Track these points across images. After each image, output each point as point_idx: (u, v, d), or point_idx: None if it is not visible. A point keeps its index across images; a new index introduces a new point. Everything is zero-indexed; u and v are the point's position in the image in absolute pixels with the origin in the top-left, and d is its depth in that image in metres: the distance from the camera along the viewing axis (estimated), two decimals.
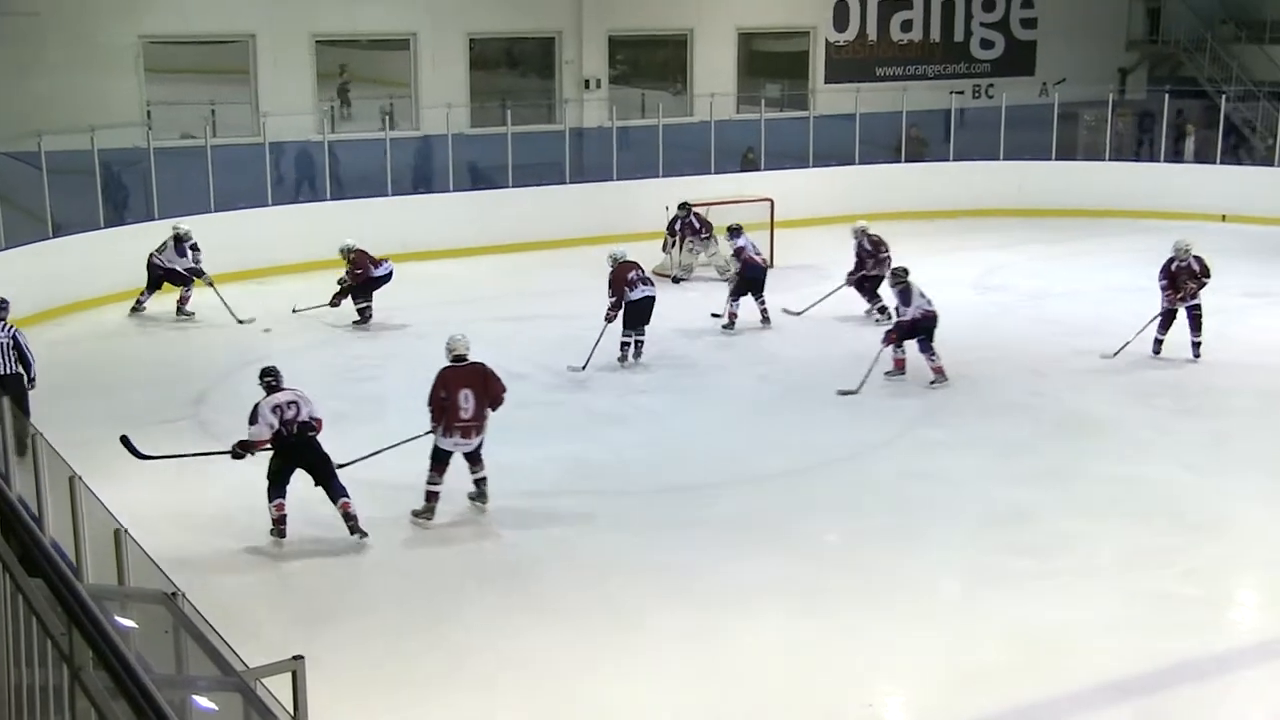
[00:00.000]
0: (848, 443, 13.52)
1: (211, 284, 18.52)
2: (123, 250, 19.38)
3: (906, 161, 26.94)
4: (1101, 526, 11.24)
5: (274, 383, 11.30)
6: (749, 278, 17.69)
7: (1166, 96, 26.66)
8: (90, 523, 7.21)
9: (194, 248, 18.60)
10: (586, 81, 25.52)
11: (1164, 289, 15.92)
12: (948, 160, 26.87)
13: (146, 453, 11.52)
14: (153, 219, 20.17)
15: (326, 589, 10.25)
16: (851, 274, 18.11)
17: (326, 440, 11.22)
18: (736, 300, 17.60)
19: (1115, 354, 16.06)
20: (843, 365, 16.12)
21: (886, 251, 17.85)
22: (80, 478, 7.33)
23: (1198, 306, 15.89)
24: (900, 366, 15.38)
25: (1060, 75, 28.91)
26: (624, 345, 16.05)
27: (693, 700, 8.69)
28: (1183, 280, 15.73)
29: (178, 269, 18.53)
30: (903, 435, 13.75)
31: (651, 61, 28.26)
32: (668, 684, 8.89)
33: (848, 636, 9.42)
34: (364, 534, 11.05)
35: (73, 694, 4.11)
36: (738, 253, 17.93)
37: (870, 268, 17.91)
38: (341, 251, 18.27)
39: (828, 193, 25.24)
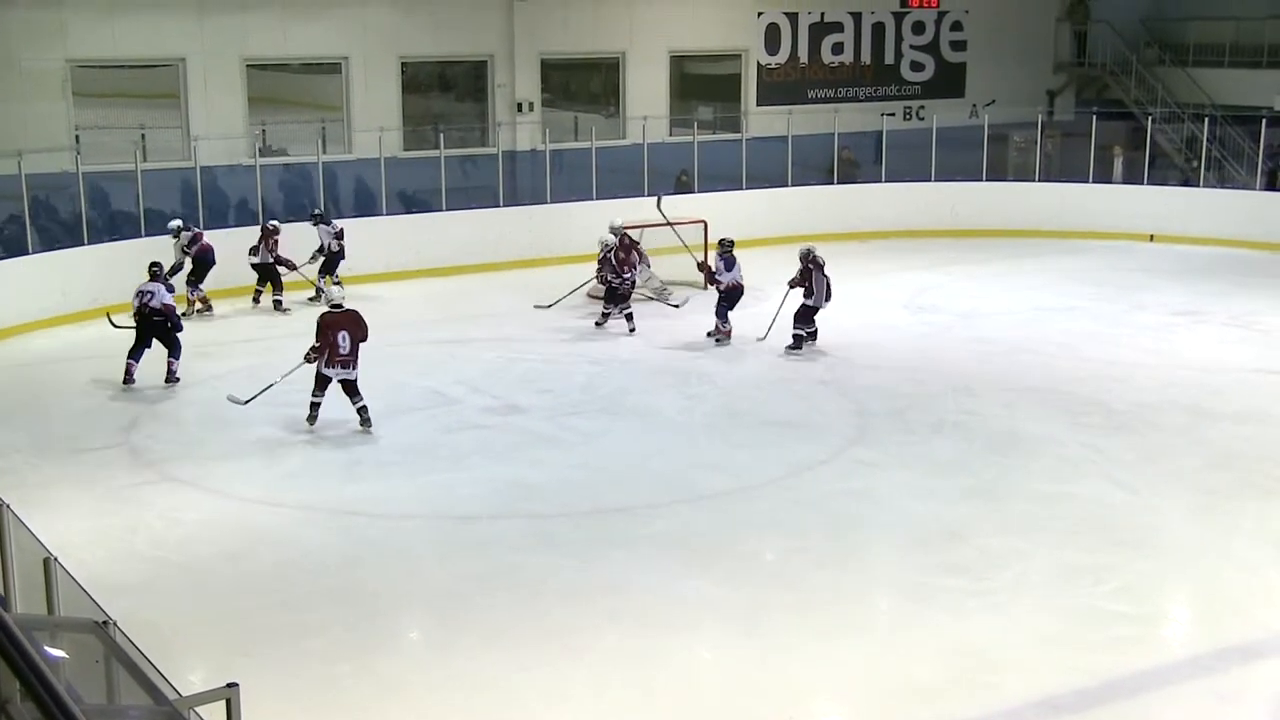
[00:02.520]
0: (783, 463, 13.56)
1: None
2: (51, 275, 19.21)
3: (839, 183, 27.15)
4: (1033, 544, 11.33)
5: (156, 271, 16.42)
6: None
7: (1094, 118, 27.00)
8: (18, 551, 7.11)
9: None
10: (519, 105, 25.51)
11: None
12: (879, 182, 27.08)
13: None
14: (81, 244, 20.00)
15: (259, 615, 10.14)
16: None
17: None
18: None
19: (763, 337, 17.82)
20: (773, 386, 16.23)
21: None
22: (8, 505, 7.22)
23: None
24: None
25: (990, 97, 29.25)
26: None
27: None
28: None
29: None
30: (838, 455, 13.80)
31: (584, 84, 28.32)
32: (606, 705, 8.88)
33: (785, 655, 9.44)
34: (175, 380, 16.03)
35: None
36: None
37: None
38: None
39: (761, 214, 25.38)
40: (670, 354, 17.53)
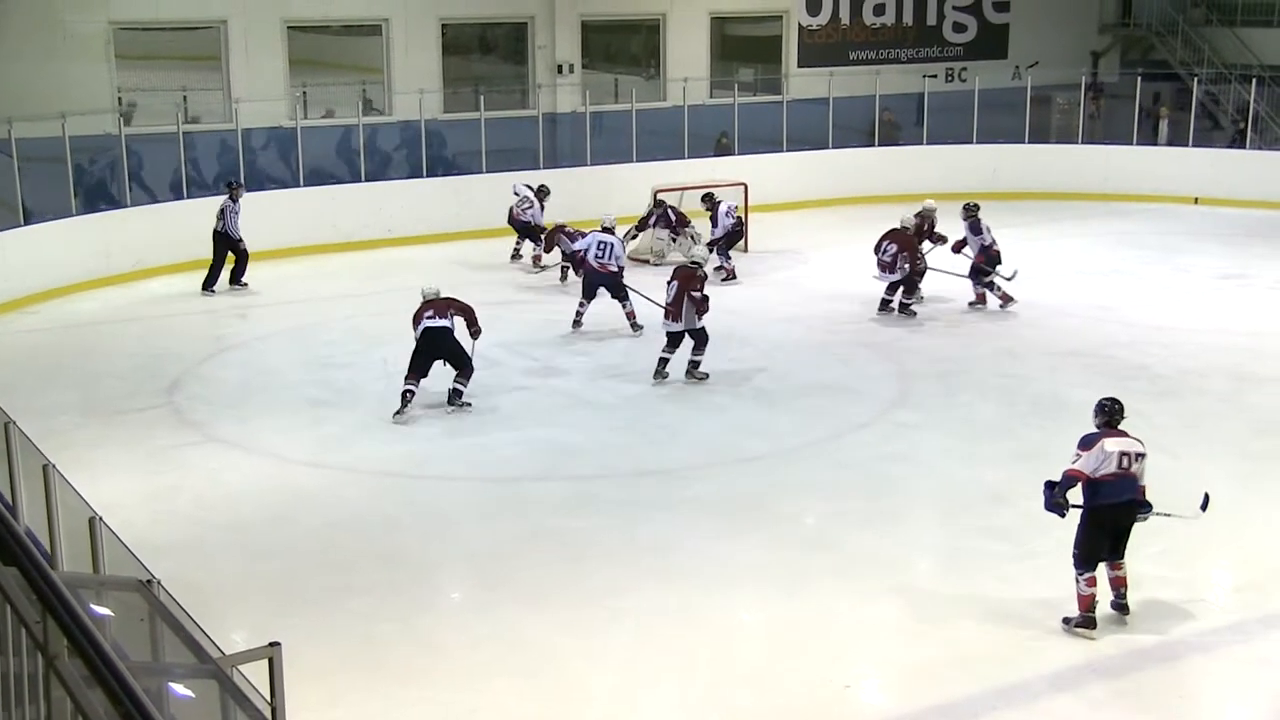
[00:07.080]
0: (824, 425, 13.54)
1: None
2: (95, 238, 19.32)
3: (880, 145, 26.98)
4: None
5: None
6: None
7: (1139, 79, 26.73)
8: (65, 511, 7.17)
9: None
10: (559, 67, 25.44)
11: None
12: (921, 144, 26.90)
13: None
14: (124, 205, 20.11)
15: (302, 575, 10.21)
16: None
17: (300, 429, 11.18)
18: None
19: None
20: (814, 349, 16.18)
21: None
22: (54, 466, 7.28)
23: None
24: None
25: (1033, 59, 28.97)
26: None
27: (671, 681, 8.70)
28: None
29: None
30: (880, 418, 13.76)
31: (624, 46, 28.22)
32: (646, 666, 8.90)
33: (826, 617, 9.45)
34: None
35: (48, 682, 4.10)
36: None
37: None
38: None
39: (802, 177, 25.29)
40: (709, 317, 17.45)
